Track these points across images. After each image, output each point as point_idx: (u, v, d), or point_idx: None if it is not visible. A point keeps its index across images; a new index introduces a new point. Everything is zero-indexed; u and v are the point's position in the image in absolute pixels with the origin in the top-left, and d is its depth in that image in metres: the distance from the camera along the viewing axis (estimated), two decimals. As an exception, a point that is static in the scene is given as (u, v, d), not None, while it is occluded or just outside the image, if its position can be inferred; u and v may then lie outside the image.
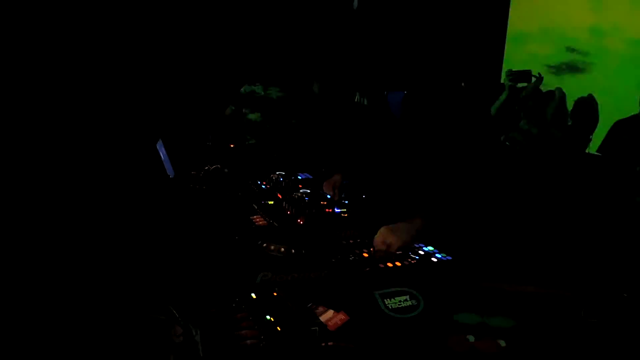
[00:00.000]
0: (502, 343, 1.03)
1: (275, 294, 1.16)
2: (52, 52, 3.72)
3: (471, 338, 1.04)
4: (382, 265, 1.40)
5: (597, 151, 3.50)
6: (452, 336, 1.06)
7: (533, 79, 2.64)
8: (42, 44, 3.69)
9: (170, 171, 2.32)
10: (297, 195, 2.01)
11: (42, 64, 3.67)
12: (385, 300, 1.17)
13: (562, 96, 2.30)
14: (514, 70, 2.73)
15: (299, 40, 4.64)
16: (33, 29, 3.67)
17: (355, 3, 4.69)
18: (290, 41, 4.45)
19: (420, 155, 2.00)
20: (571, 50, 4.94)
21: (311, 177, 2.56)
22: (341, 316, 1.12)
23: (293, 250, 1.36)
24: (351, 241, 1.60)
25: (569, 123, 2.60)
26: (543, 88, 2.61)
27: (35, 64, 3.63)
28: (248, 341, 0.97)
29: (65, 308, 1.09)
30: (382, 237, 1.52)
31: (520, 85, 2.68)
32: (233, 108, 2.25)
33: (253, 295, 1.14)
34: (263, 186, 2.29)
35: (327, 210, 1.86)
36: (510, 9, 5.34)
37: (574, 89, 3.29)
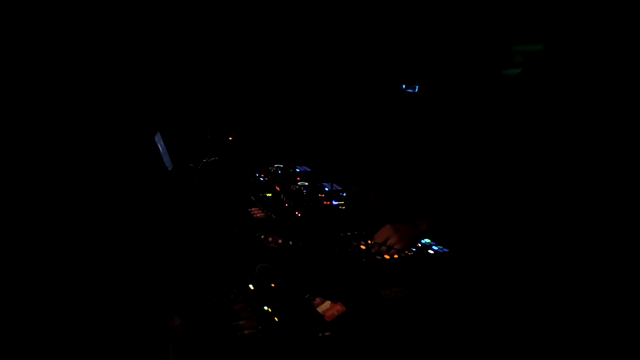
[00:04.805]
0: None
1: (272, 284, 1.17)
2: (49, 46, 3.70)
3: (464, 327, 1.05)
4: (379, 257, 1.41)
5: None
6: (446, 325, 1.07)
7: None
8: (40, 38, 3.67)
9: (168, 164, 2.33)
10: (295, 188, 2.01)
11: (39, 59, 3.65)
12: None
13: None
14: None
15: (301, 37, 4.62)
16: (30, 23, 3.65)
17: None
18: (292, 37, 4.43)
19: (429, 152, 1.99)
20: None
21: (309, 169, 2.57)
22: (338, 307, 1.13)
23: (291, 242, 1.37)
24: (349, 233, 1.61)
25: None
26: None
27: (32, 59, 3.62)
28: (246, 331, 0.98)
29: (65, 301, 1.10)
30: (385, 234, 1.50)
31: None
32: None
33: (251, 286, 1.15)
34: (261, 179, 2.29)
35: (324, 202, 1.87)
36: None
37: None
